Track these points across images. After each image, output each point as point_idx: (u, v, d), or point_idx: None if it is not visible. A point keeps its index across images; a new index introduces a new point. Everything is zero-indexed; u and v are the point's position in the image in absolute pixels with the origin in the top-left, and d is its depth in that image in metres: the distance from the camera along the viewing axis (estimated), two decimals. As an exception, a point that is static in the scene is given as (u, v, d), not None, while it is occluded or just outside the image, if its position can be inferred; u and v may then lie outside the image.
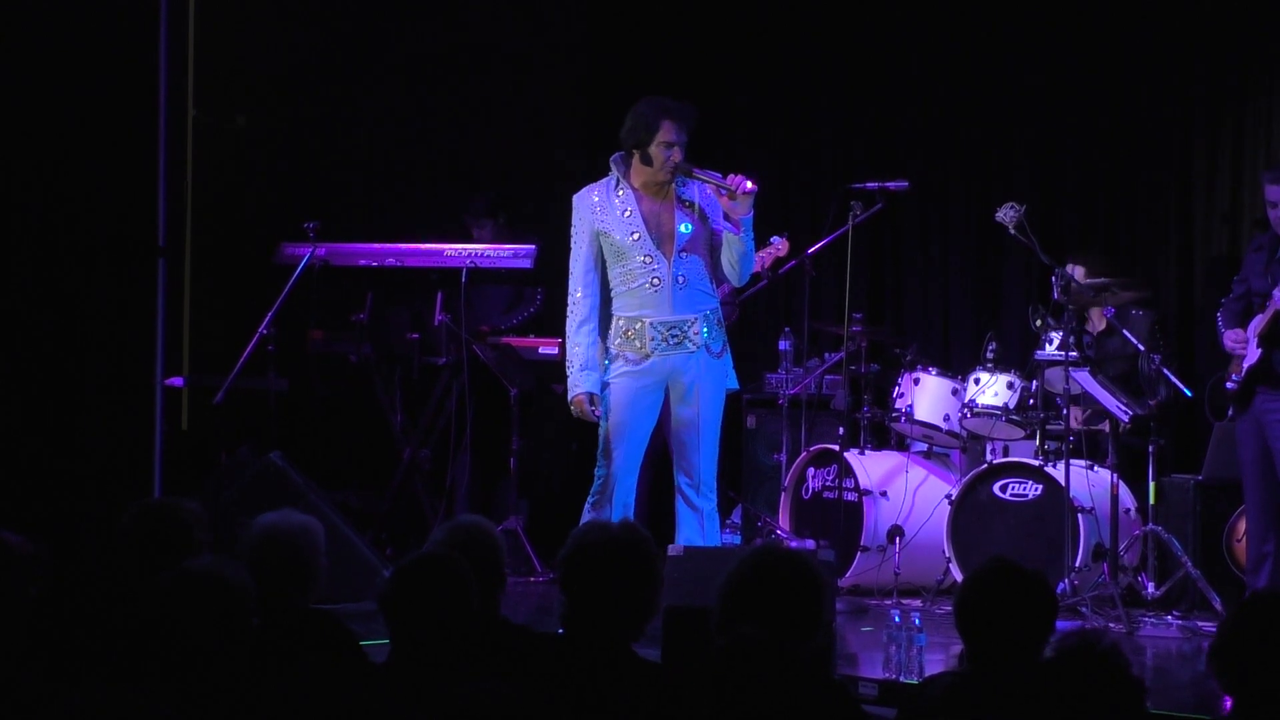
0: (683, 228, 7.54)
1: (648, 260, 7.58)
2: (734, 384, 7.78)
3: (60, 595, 4.63)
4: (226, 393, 9.15)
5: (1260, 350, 8.22)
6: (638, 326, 7.60)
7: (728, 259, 7.58)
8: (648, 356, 7.60)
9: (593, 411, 7.68)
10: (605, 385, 7.68)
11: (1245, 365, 8.28)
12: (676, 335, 7.60)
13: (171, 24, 9.01)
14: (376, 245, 9.94)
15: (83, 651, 4.43)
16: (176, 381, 9.94)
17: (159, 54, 8.78)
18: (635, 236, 7.58)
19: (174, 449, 9.47)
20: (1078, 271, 9.28)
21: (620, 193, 7.63)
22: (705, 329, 7.61)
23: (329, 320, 10.07)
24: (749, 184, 7.45)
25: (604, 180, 7.68)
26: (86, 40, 8.82)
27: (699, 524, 7.59)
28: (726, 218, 7.52)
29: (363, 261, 9.91)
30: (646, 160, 7.56)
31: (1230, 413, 8.43)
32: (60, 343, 8.73)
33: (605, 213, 7.64)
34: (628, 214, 7.59)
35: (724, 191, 7.46)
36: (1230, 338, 8.38)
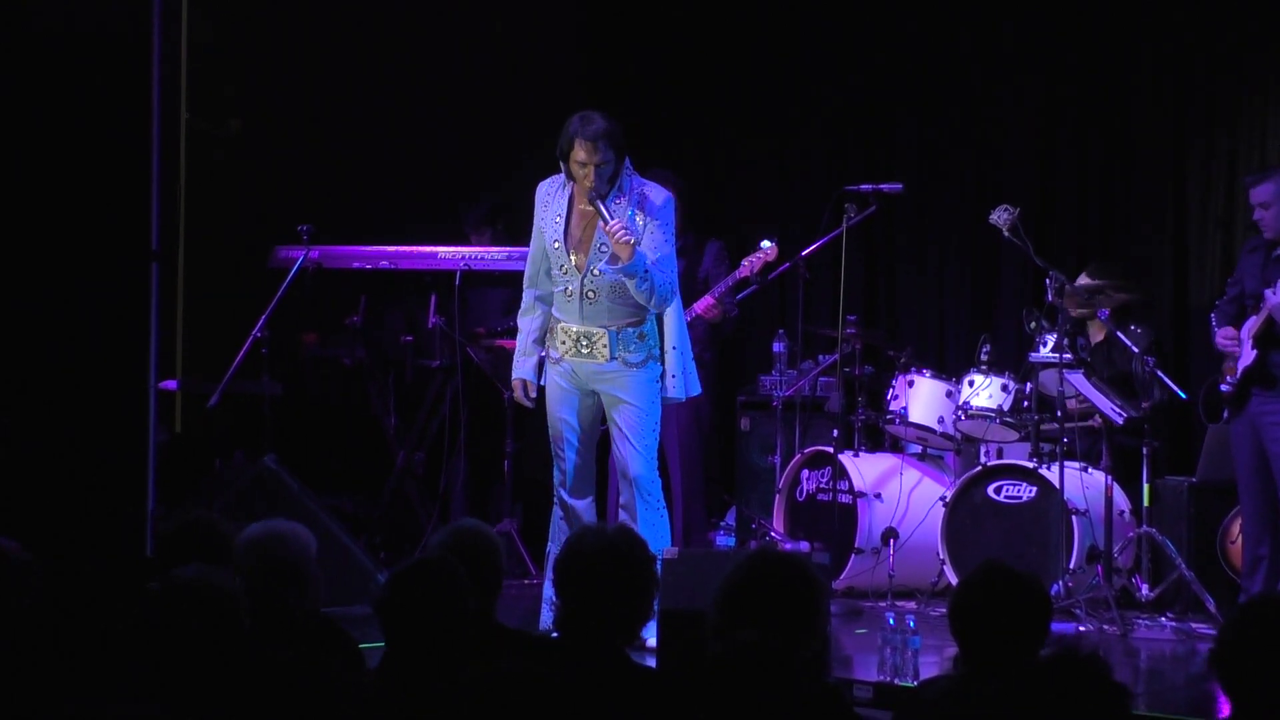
0: (600, 246, 7.51)
1: (564, 269, 7.60)
2: (675, 393, 7.69)
3: (54, 602, 4.62)
4: (220, 396, 9.14)
5: (1255, 352, 8.22)
6: (556, 328, 7.67)
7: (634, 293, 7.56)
8: (562, 358, 7.65)
9: (526, 397, 7.80)
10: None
11: (1240, 367, 8.29)
12: (584, 344, 7.60)
13: (164, 28, 8.98)
14: (370, 248, 9.94)
15: (76, 660, 4.42)
16: (170, 385, 9.93)
17: (152, 58, 8.74)
18: (556, 244, 7.60)
19: (168, 453, 9.45)
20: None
21: (562, 196, 7.65)
22: (613, 343, 7.56)
23: (323, 323, 10.08)
24: (623, 235, 7.35)
25: (559, 176, 7.69)
26: (78, 45, 8.80)
27: (631, 518, 7.61)
28: (614, 258, 7.49)
29: (356, 264, 9.90)
30: (572, 175, 7.58)
31: (1225, 415, 8.44)
32: (52, 347, 8.70)
33: (546, 211, 7.69)
34: (558, 219, 7.61)
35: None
36: (1222, 335, 8.39)
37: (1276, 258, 8.28)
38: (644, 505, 7.61)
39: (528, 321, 7.77)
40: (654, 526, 7.58)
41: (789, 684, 3.77)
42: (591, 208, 7.49)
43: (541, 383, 7.78)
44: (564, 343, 7.62)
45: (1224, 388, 8.37)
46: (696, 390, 7.83)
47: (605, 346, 7.56)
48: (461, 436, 9.79)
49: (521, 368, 7.79)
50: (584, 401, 7.71)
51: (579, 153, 7.47)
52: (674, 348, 7.66)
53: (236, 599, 4.21)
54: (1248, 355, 8.25)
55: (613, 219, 7.37)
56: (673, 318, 7.67)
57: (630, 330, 7.56)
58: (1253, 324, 8.24)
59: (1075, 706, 3.67)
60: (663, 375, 7.64)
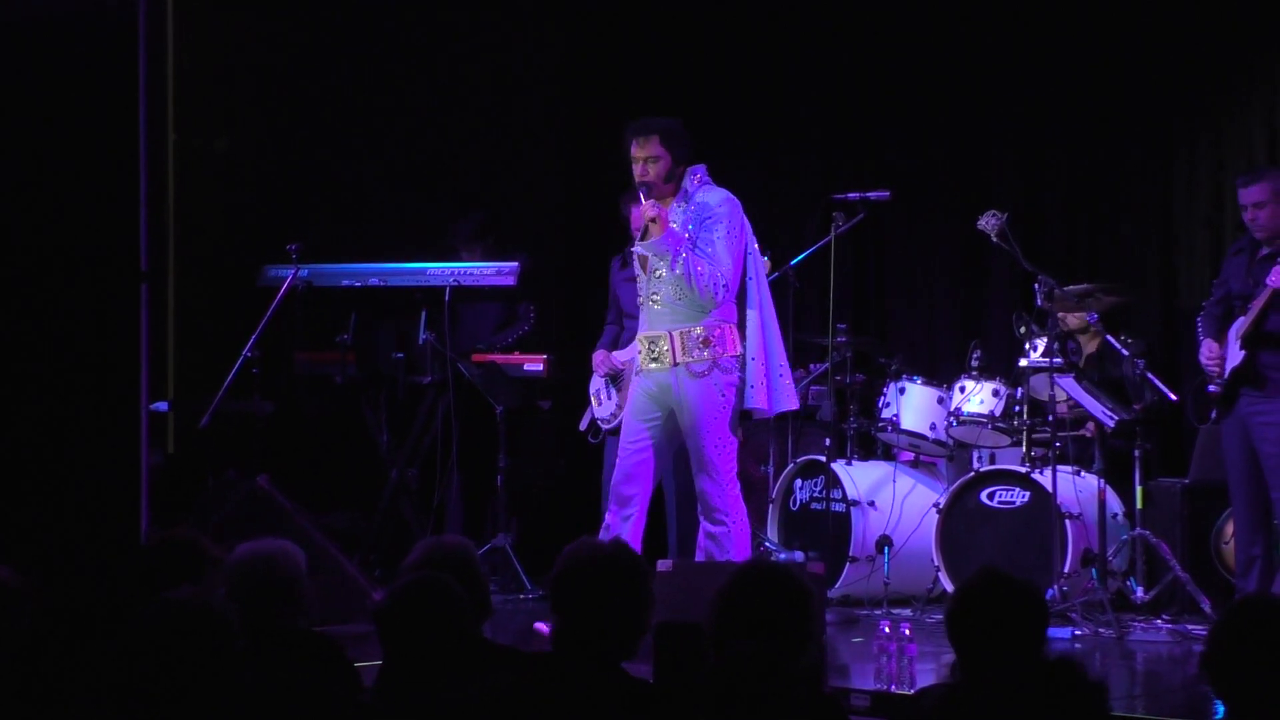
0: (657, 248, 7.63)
1: (639, 278, 7.78)
2: (755, 404, 7.69)
3: (51, 626, 4.61)
4: (212, 416, 9.13)
5: (1244, 353, 8.24)
6: (637, 342, 7.83)
7: None
8: (641, 368, 7.79)
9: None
10: None
11: (1229, 368, 8.29)
12: (654, 350, 7.72)
13: (150, 48, 8.99)
14: (359, 265, 9.94)
15: (70, 682, 4.41)
16: (161, 406, 9.91)
17: (138, 78, 8.76)
18: (636, 255, 7.83)
19: (161, 474, 9.45)
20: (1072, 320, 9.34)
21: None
22: (675, 347, 7.64)
23: (313, 341, 10.06)
24: (650, 210, 7.59)
25: None
26: (64, 65, 8.82)
27: (705, 551, 7.65)
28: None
29: (346, 282, 9.90)
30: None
31: (1213, 415, 8.45)
32: (43, 369, 8.71)
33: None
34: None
35: None
36: (1205, 352, 8.39)
37: (1263, 258, 8.29)
38: (706, 522, 7.66)
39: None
40: (716, 541, 7.63)
41: (786, 694, 3.77)
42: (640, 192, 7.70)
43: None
44: (641, 352, 7.79)
45: (1212, 388, 8.39)
46: (785, 406, 7.87)
47: (668, 351, 7.65)
48: (454, 452, 9.79)
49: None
50: (659, 415, 7.77)
51: (631, 149, 7.73)
52: (753, 358, 7.67)
53: (228, 620, 4.21)
54: (1236, 355, 8.26)
55: (650, 206, 7.58)
56: (752, 329, 7.71)
57: (693, 334, 7.62)
58: (1241, 325, 8.25)
59: (1056, 708, 3.67)
60: (740, 385, 7.66)
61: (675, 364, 7.65)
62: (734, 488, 7.66)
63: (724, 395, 7.63)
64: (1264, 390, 8.23)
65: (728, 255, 7.60)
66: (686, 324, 7.64)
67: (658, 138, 7.69)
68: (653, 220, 7.56)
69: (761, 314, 7.74)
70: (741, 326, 7.71)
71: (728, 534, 7.60)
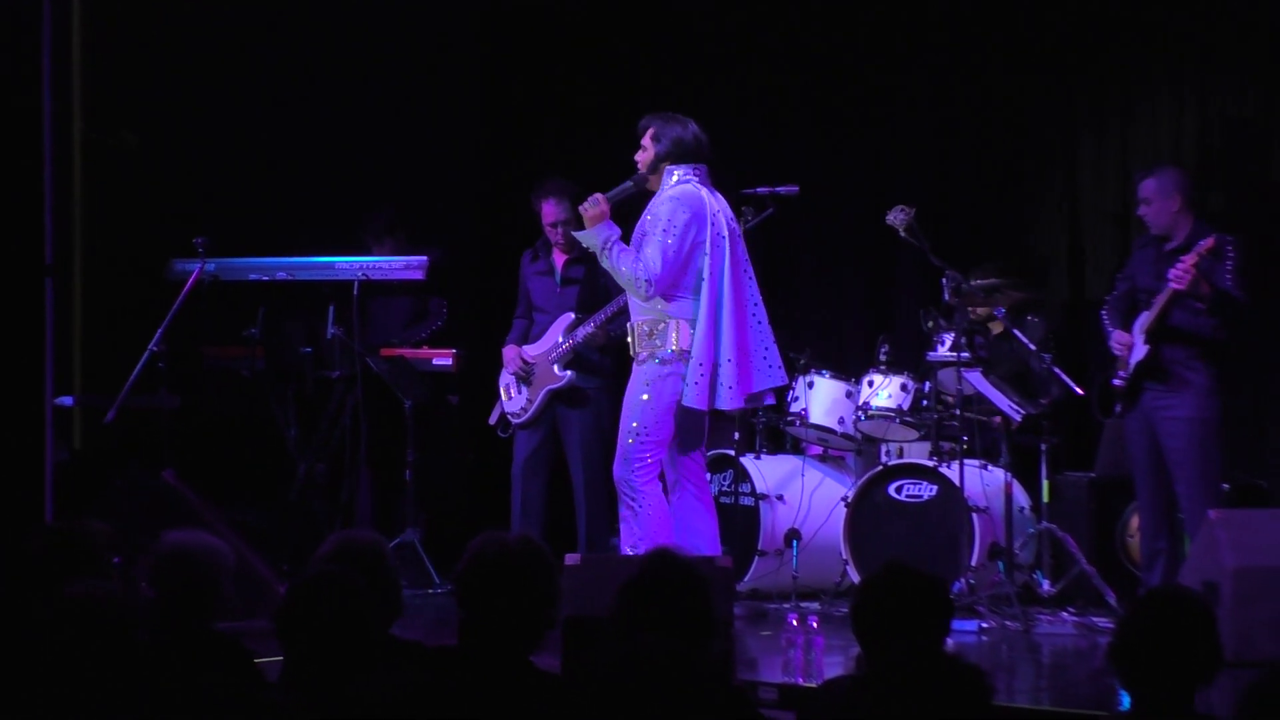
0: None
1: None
2: (689, 401, 7.72)
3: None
4: (118, 411, 9.05)
5: (1147, 347, 8.30)
6: None
7: None
8: None
9: None
10: None
11: (1132, 362, 8.36)
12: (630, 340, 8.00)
13: (55, 38, 8.90)
14: (267, 259, 9.88)
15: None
16: (66, 401, 9.82)
17: (42, 69, 8.67)
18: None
19: (66, 469, 9.36)
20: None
21: None
22: (633, 339, 7.90)
23: (221, 335, 10.00)
24: (587, 203, 7.87)
25: None
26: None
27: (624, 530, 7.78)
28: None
29: (253, 276, 9.84)
30: None
31: (1118, 409, 8.51)
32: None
33: None
34: None
35: None
36: (1116, 340, 8.46)
37: (1168, 252, 8.37)
38: (621, 505, 7.78)
39: None
40: (627, 524, 7.77)
41: (692, 686, 3.77)
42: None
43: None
44: None
45: (1116, 382, 8.45)
46: (723, 404, 7.85)
47: (630, 343, 7.93)
48: (363, 447, 9.75)
49: None
50: None
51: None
52: (692, 355, 7.70)
53: (128, 614, 4.17)
54: (1140, 349, 8.33)
55: (609, 196, 7.88)
56: (700, 325, 7.74)
57: (644, 325, 7.83)
58: (1146, 319, 8.32)
59: (936, 697, 3.69)
60: (684, 380, 7.75)
61: (634, 354, 7.87)
62: (643, 479, 7.69)
63: (648, 385, 7.74)
64: (1167, 384, 8.30)
65: (657, 255, 7.69)
66: (639, 316, 7.87)
67: (649, 130, 8.00)
68: (584, 211, 7.83)
69: (712, 311, 7.76)
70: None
71: (634, 518, 7.71)
